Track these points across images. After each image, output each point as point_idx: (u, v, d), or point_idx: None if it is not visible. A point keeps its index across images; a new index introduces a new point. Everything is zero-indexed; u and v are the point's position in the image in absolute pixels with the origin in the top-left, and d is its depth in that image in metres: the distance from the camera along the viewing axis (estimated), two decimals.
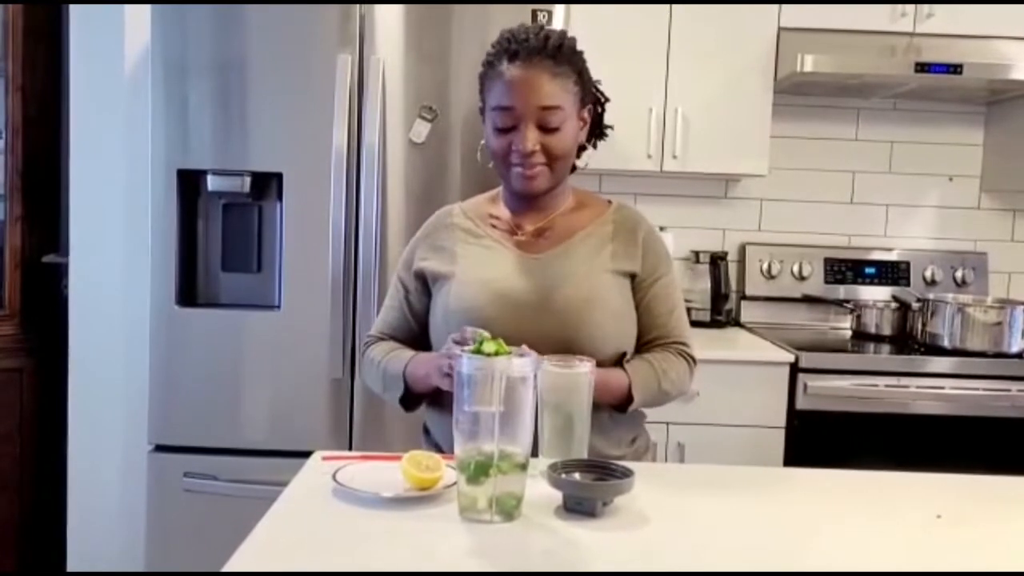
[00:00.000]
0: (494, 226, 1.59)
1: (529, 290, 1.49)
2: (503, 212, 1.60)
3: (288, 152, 2.34)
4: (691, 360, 1.58)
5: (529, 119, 1.45)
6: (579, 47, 1.52)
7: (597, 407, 1.45)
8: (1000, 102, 3.08)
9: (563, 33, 1.51)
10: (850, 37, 2.78)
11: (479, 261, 1.54)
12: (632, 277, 1.55)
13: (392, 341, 1.62)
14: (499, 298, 1.48)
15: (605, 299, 1.50)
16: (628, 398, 1.49)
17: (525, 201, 1.56)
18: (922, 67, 2.67)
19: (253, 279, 2.45)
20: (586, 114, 1.55)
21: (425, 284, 1.59)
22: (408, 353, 1.56)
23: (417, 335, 1.61)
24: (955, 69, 2.67)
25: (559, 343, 1.42)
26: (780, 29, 2.79)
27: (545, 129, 1.46)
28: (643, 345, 1.57)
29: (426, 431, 1.62)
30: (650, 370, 1.52)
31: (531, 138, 1.45)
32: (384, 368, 1.56)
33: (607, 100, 1.62)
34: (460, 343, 1.34)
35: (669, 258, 1.62)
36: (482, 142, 1.55)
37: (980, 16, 2.76)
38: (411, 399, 1.54)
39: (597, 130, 1.63)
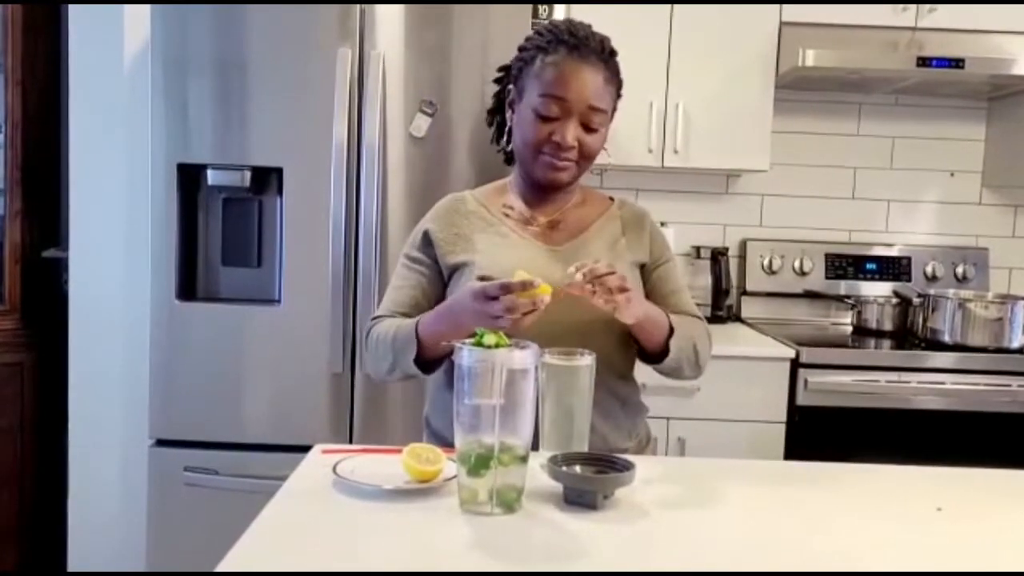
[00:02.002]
0: (507, 215, 1.58)
1: (555, 280, 1.48)
2: (516, 202, 1.60)
3: (288, 147, 2.34)
4: (707, 328, 1.60)
5: (575, 114, 1.48)
6: None
7: (607, 399, 1.46)
8: (1002, 97, 3.08)
9: (610, 40, 1.53)
10: (852, 32, 2.77)
11: (499, 249, 1.53)
12: (643, 267, 1.59)
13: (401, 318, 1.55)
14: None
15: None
16: (667, 341, 1.46)
17: (540, 193, 1.57)
18: (924, 62, 2.67)
19: (253, 274, 2.45)
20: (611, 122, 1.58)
21: (437, 264, 1.56)
22: (414, 318, 1.48)
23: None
24: (957, 64, 2.66)
25: (586, 333, 1.41)
26: (781, 24, 2.79)
27: (586, 127, 1.49)
28: None
29: (427, 423, 1.62)
30: (680, 318, 1.53)
31: (572, 132, 1.48)
32: (394, 335, 1.47)
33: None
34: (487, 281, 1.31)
35: (670, 247, 1.67)
36: (509, 125, 1.56)
37: (982, 11, 2.76)
38: (427, 361, 1.45)
39: None
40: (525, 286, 1.25)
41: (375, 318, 1.58)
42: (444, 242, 1.55)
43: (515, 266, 1.42)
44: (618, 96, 1.55)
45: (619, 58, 1.55)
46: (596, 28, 1.55)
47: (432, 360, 1.46)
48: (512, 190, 1.62)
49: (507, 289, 1.26)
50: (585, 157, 1.52)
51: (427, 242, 1.57)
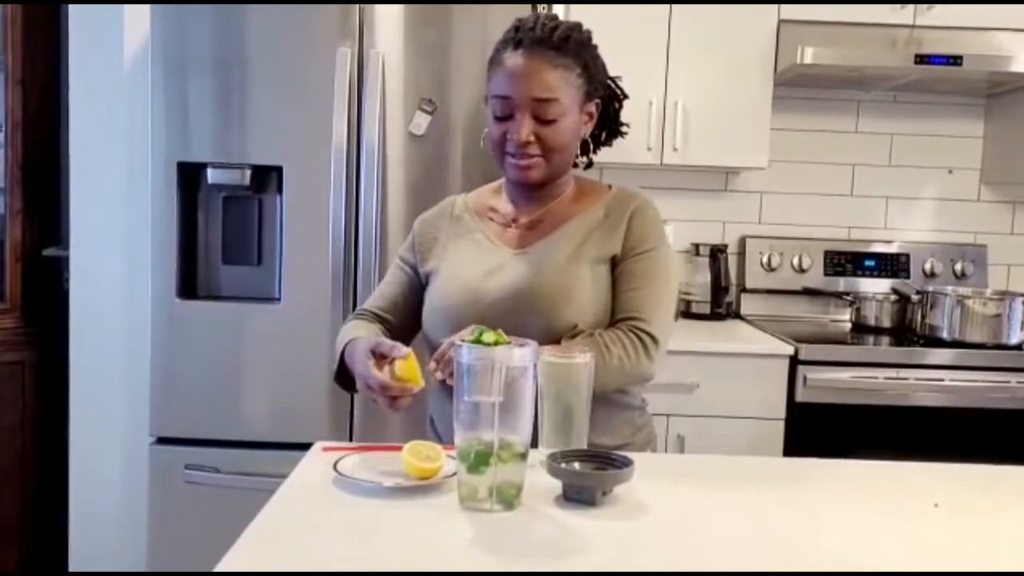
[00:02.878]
0: (491, 219, 1.59)
1: (503, 287, 1.49)
2: (503, 204, 1.60)
3: (288, 145, 2.34)
4: (644, 336, 1.45)
5: (524, 109, 1.45)
6: (593, 41, 1.51)
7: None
8: (1000, 94, 3.08)
9: (575, 25, 1.49)
10: (850, 29, 2.77)
11: (462, 258, 1.55)
12: (613, 259, 1.51)
13: (373, 319, 1.61)
14: (472, 296, 1.49)
15: (581, 291, 1.47)
16: None
17: (524, 191, 1.56)
18: (922, 59, 2.68)
19: (253, 272, 2.46)
20: (592, 108, 1.53)
21: (417, 269, 1.61)
22: (362, 333, 1.51)
23: (412, 313, 1.60)
24: (955, 61, 2.67)
25: (536, 338, 1.39)
26: (780, 21, 2.79)
27: (541, 120, 1.45)
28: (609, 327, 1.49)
29: (431, 423, 1.62)
30: (592, 345, 1.41)
31: (525, 129, 1.45)
32: (336, 345, 1.56)
33: (625, 97, 1.61)
34: (380, 356, 1.37)
35: (659, 235, 1.53)
36: (486, 130, 1.54)
37: (980, 8, 2.76)
38: (349, 380, 1.50)
39: (612, 127, 1.62)
40: (398, 391, 1.33)
41: (360, 310, 1.65)
42: (422, 247, 1.60)
43: (469, 276, 1.51)
44: (587, 80, 1.48)
45: (617, 55, 1.54)
46: (595, 26, 1.53)
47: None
48: (503, 189, 1.62)
49: (384, 388, 1.33)
50: (549, 151, 1.47)
51: (411, 245, 1.63)
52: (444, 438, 1.51)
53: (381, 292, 1.65)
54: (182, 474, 2.38)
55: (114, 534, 2.68)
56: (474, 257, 1.54)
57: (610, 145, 1.64)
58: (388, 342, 1.38)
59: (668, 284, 1.53)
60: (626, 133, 1.65)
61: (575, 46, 1.47)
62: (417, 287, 1.61)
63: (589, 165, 1.65)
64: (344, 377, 1.53)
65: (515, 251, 1.53)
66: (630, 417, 1.59)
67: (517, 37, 1.46)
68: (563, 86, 1.46)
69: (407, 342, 1.61)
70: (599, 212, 1.55)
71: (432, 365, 1.37)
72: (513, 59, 1.45)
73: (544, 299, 1.46)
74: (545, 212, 1.56)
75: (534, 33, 1.45)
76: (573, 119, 1.49)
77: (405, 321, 1.62)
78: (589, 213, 1.55)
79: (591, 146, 1.63)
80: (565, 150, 1.51)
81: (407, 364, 1.33)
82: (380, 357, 1.36)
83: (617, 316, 1.49)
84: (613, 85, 1.59)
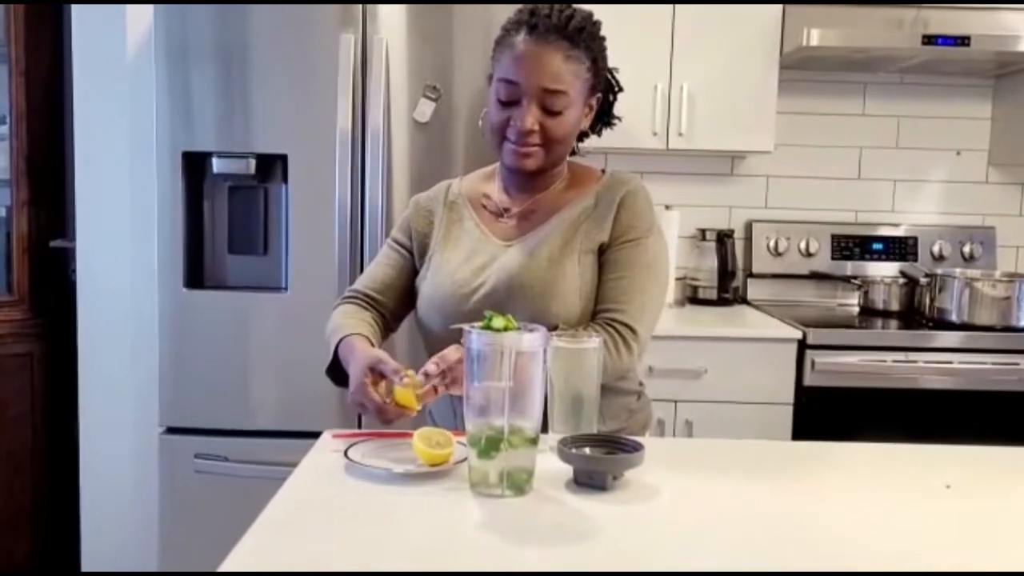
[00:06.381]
0: (484, 206, 1.58)
1: (491, 281, 1.48)
2: (496, 191, 1.59)
3: (293, 134, 2.34)
4: (623, 329, 1.44)
5: (532, 97, 1.43)
6: (602, 33, 1.49)
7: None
8: (1008, 75, 3.06)
9: (588, 16, 1.47)
10: (856, 10, 2.75)
11: (453, 249, 1.54)
12: (600, 247, 1.50)
13: (366, 303, 1.57)
14: (460, 289, 1.50)
15: (567, 286, 1.47)
16: None
17: (518, 178, 1.55)
18: (929, 40, 2.65)
19: (260, 261, 2.46)
20: (593, 102, 1.52)
21: (412, 252, 1.61)
22: (353, 324, 1.49)
23: (406, 295, 1.59)
24: (963, 41, 2.64)
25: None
26: (785, 3, 2.77)
27: (546, 111, 1.44)
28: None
29: (430, 415, 1.62)
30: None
31: (531, 118, 1.43)
32: (328, 336, 1.50)
33: (620, 90, 1.59)
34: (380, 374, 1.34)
35: (648, 224, 1.51)
36: (485, 110, 1.53)
37: None
38: (340, 374, 1.46)
39: (605, 118, 1.60)
40: (395, 415, 1.32)
41: (350, 291, 1.61)
42: (418, 235, 1.60)
43: (455, 270, 1.50)
44: (594, 74, 1.48)
45: (621, 39, 1.52)
46: (599, 10, 1.51)
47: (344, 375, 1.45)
48: (498, 175, 1.61)
49: (381, 411, 1.32)
50: (551, 141, 1.46)
51: (407, 229, 1.62)
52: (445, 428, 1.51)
53: (373, 273, 1.61)
54: (192, 463, 2.38)
55: (125, 523, 2.69)
56: (465, 248, 1.54)
57: (599, 135, 1.63)
58: (391, 364, 1.33)
59: (654, 273, 1.51)
60: (614, 125, 1.63)
61: (588, 38, 1.45)
62: (411, 271, 1.60)
63: (573, 152, 1.63)
64: (336, 371, 1.48)
65: (505, 243, 1.53)
66: (626, 402, 1.59)
67: (532, 21, 1.43)
68: (572, 79, 1.44)
69: (399, 323, 1.63)
70: (590, 200, 1.53)
71: (423, 378, 1.32)
72: (525, 44, 1.43)
73: (530, 294, 1.46)
74: (537, 201, 1.55)
75: (549, 20, 1.43)
76: (577, 112, 1.48)
77: (398, 303, 1.60)
78: (580, 202, 1.53)
79: (585, 136, 1.62)
80: (565, 141, 1.50)
81: (406, 392, 1.31)
82: (379, 375, 1.34)
83: (599, 306, 1.48)
84: (611, 77, 1.58)
